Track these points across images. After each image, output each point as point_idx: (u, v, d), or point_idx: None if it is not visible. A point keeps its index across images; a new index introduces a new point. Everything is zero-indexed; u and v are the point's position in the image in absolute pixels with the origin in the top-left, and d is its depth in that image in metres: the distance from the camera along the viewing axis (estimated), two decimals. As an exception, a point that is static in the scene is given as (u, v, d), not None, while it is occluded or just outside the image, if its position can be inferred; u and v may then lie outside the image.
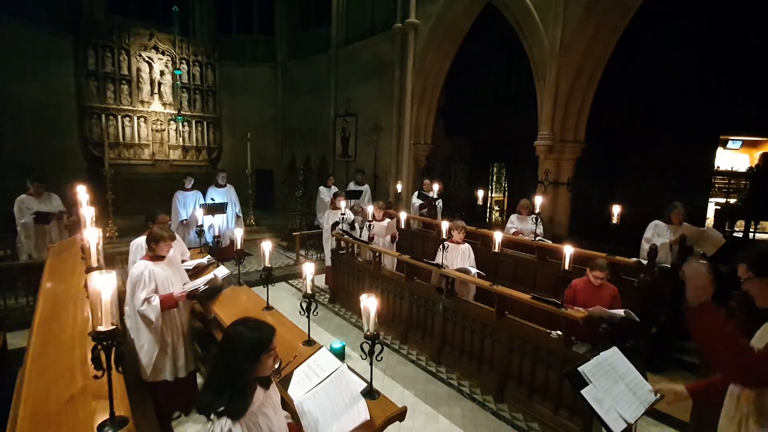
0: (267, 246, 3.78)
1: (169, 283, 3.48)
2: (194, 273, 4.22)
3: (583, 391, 2.07)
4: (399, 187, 9.30)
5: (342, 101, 11.68)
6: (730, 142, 8.73)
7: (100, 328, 1.76)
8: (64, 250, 4.90)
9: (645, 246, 5.04)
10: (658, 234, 5.17)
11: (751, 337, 1.88)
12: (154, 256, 3.47)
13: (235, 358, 1.71)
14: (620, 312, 3.56)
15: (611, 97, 7.21)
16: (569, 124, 7.08)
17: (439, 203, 7.98)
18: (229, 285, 3.98)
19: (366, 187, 9.13)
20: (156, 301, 3.31)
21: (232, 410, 1.63)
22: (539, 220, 5.98)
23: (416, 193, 8.42)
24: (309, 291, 3.02)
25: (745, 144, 8.91)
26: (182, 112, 11.06)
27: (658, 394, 2.12)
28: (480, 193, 7.99)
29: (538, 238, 5.85)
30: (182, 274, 3.82)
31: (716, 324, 1.75)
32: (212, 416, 1.63)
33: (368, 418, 2.07)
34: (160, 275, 3.41)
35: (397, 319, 5.56)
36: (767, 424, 1.77)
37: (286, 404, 2.24)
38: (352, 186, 9.08)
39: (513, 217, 6.59)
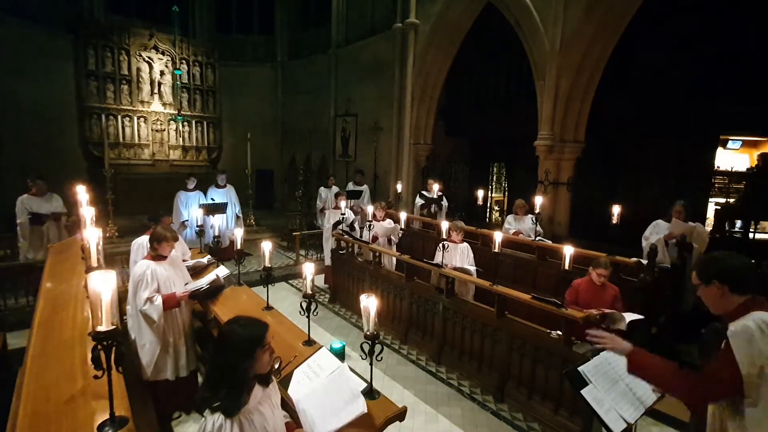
0: (267, 246, 3.78)
1: (171, 282, 3.48)
2: (194, 273, 4.22)
3: (583, 391, 2.07)
4: (399, 187, 9.29)
5: (342, 101, 11.68)
6: (730, 142, 8.71)
7: (100, 328, 1.76)
8: (64, 250, 4.90)
9: (644, 244, 5.04)
10: (656, 233, 5.17)
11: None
12: (157, 255, 3.48)
13: (231, 356, 1.72)
14: (631, 316, 3.54)
15: (611, 97, 7.21)
16: (569, 124, 7.08)
17: (444, 202, 7.94)
18: (229, 285, 3.98)
19: (365, 188, 9.11)
20: (159, 300, 3.32)
21: (227, 407, 1.64)
22: (538, 219, 5.97)
23: (419, 193, 8.40)
24: (309, 291, 3.02)
25: (745, 144, 8.89)
26: (182, 112, 11.06)
27: (658, 394, 2.12)
28: (480, 193, 7.99)
29: (538, 238, 5.85)
30: (184, 274, 3.82)
31: (647, 365, 1.90)
32: (206, 412, 1.64)
33: (365, 410, 2.08)
34: (162, 275, 3.42)
35: (397, 319, 5.55)
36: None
37: (286, 404, 2.24)
38: (350, 186, 9.07)
39: (509, 218, 6.54)
